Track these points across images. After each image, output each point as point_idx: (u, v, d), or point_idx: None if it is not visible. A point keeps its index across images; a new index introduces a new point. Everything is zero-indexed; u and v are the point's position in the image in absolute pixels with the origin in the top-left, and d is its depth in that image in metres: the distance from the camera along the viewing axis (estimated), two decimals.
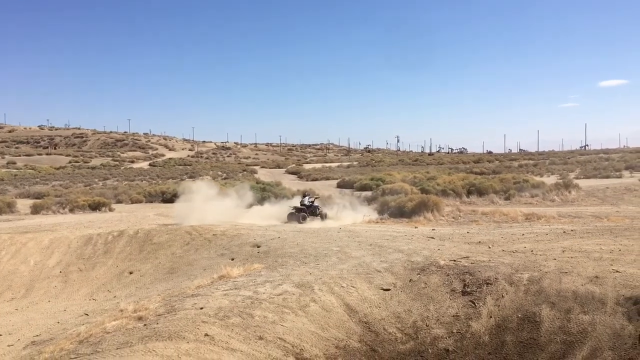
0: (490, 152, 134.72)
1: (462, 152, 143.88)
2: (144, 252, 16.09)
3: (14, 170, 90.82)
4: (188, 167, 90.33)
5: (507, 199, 28.79)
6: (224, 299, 9.29)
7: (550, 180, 37.19)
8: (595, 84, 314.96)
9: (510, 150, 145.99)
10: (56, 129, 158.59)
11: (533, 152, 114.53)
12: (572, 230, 15.69)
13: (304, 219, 21.01)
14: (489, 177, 38.98)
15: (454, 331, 8.84)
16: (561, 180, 34.55)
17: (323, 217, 21.78)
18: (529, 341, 8.18)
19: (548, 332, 8.22)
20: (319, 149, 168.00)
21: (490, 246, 13.27)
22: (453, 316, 9.22)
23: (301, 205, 21.74)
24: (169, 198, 36.69)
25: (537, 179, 37.54)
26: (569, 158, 74.56)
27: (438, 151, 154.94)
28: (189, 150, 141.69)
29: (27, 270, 15.18)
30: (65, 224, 21.29)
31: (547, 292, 9.19)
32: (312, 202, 22.16)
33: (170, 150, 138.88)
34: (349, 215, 22.66)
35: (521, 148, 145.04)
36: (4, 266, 15.17)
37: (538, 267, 10.37)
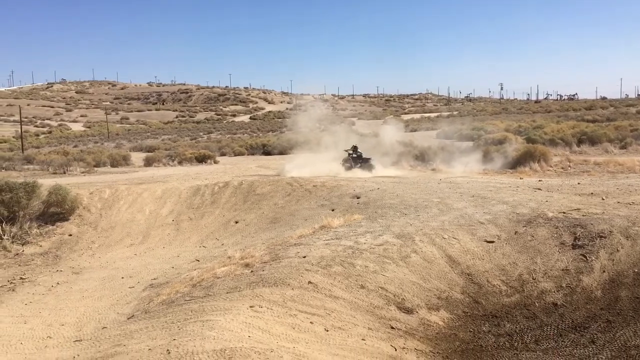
0: (604, 98, 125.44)
1: (572, 98, 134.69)
2: (248, 203, 16.68)
3: (127, 126, 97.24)
4: (287, 119, 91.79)
5: (623, 147, 26.82)
6: (325, 249, 9.47)
7: None
8: None
9: (627, 95, 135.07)
10: (163, 85, 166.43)
11: None
12: None
13: (350, 168, 21.45)
14: (603, 125, 36.50)
15: (563, 285, 8.49)
16: None
17: (369, 168, 21.65)
18: None
19: None
20: (417, 99, 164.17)
21: (604, 198, 12.47)
22: (562, 270, 8.84)
23: (349, 155, 22.11)
24: (270, 150, 37.72)
25: None
26: None
27: (546, 98, 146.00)
28: (287, 103, 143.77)
29: (143, 218, 16.26)
30: (175, 175, 22.50)
31: None
32: (360, 154, 22.20)
33: (269, 103, 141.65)
34: (449, 166, 22.15)
35: None
36: (123, 215, 16.35)
37: None
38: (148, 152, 39.38)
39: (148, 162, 31.47)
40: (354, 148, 22.39)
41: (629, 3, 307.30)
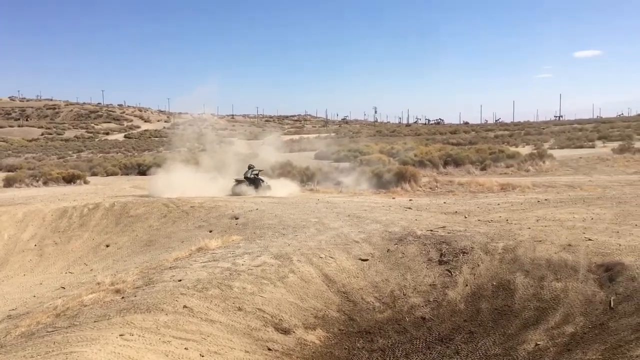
0: (466, 123, 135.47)
1: (439, 123, 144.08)
2: (121, 225, 15.95)
3: None
4: (164, 138, 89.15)
5: (483, 169, 29.07)
6: (202, 271, 9.28)
7: (525, 150, 37.66)
8: (569, 55, 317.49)
9: (487, 121, 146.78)
10: (27, 100, 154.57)
11: (509, 123, 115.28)
12: (546, 199, 15.94)
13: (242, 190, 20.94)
14: (466, 148, 39.29)
15: (431, 299, 8.98)
16: (536, 151, 34.97)
17: (264, 188, 21.27)
18: (504, 308, 8.35)
19: (522, 299, 8.40)
20: (296, 120, 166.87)
21: (467, 216, 13.43)
22: (430, 285, 9.35)
23: (244, 177, 21.52)
24: (145, 170, 36.34)
25: (513, 149, 37.94)
26: (543, 128, 75.28)
27: (415, 122, 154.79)
28: (165, 122, 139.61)
29: (0, 244, 14.95)
30: (39, 197, 20.95)
31: (521, 261, 9.37)
32: (256, 174, 21.71)
33: (145, 121, 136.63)
34: (327, 187, 22.70)
35: (497, 119, 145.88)
36: None
37: (513, 236, 10.55)
38: (9, 171, 36.29)
39: (8, 183, 28.95)
40: (250, 167, 21.81)
41: (484, 37, 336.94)
